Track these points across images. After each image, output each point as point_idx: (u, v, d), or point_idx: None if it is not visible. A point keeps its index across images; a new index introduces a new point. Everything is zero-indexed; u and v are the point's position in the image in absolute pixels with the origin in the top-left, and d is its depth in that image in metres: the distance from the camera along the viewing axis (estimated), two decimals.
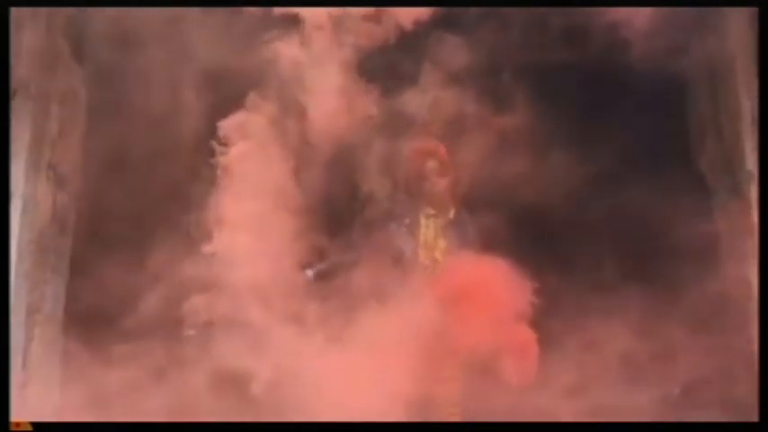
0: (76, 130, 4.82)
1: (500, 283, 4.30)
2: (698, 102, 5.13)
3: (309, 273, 4.46)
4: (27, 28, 4.50)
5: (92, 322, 4.56)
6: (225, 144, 4.43)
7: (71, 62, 4.77)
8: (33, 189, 4.55)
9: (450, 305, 4.29)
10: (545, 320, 4.49)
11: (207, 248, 4.32)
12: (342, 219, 4.68)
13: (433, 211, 4.66)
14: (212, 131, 4.51)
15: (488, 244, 4.49)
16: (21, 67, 4.47)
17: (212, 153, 4.47)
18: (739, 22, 4.68)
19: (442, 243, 4.61)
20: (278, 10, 4.48)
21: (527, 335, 4.39)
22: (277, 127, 4.44)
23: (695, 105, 5.14)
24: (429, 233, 4.62)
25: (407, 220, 4.63)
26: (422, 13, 4.52)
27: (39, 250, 4.58)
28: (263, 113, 4.46)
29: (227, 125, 4.46)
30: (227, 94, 4.59)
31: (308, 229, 4.39)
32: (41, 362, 4.53)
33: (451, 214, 4.69)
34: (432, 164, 4.67)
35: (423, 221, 4.64)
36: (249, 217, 4.34)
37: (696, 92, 5.12)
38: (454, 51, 4.59)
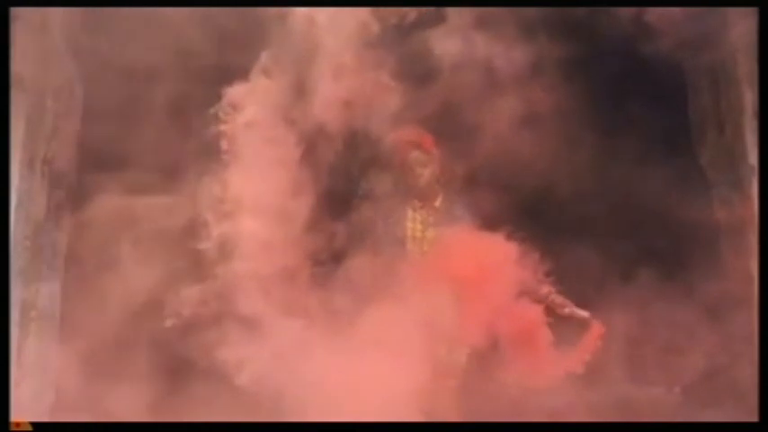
0: (72, 124, 4.79)
1: (500, 262, 4.20)
2: (699, 94, 5.10)
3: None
4: (21, 22, 4.45)
5: None
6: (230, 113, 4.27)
7: (66, 56, 4.73)
8: (28, 185, 4.52)
9: (443, 295, 4.20)
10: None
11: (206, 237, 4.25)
12: (342, 214, 4.61)
13: (419, 204, 4.60)
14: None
15: (488, 222, 4.39)
16: (15, 62, 4.39)
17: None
18: (741, 15, 4.62)
19: (430, 234, 4.55)
20: None
21: (534, 316, 4.25)
22: (286, 100, 4.31)
23: (696, 98, 5.12)
24: (416, 226, 4.57)
25: (394, 215, 4.57)
26: None
27: (34, 246, 4.56)
28: (273, 79, 4.31)
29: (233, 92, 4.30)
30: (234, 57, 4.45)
31: (314, 221, 4.33)
32: (37, 359, 4.52)
33: (438, 202, 4.62)
34: (415, 154, 4.60)
35: (410, 214, 4.59)
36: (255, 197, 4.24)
37: (697, 84, 5.10)
38: None
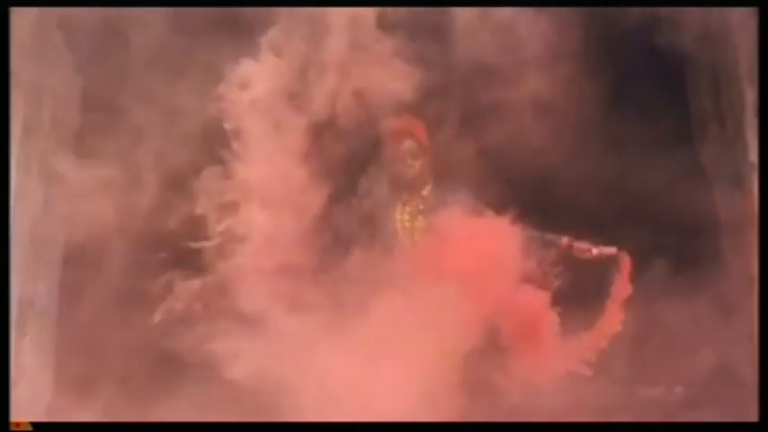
0: (70, 121, 4.75)
1: (499, 249, 4.15)
2: (700, 91, 5.08)
3: None
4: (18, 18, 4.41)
5: None
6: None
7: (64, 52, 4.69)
8: (25, 181, 4.50)
9: (437, 287, 4.10)
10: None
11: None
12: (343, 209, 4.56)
13: (407, 197, 4.55)
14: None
15: (487, 207, 4.35)
16: (12, 59, 4.36)
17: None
18: (743, 11, 4.60)
19: (420, 224, 4.51)
20: None
21: (535, 300, 4.16)
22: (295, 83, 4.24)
23: (697, 95, 5.10)
24: (404, 217, 4.53)
25: (385, 210, 4.53)
26: None
27: (31, 243, 4.55)
28: (283, 59, 4.21)
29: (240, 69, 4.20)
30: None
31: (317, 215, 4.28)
32: (34, 358, 4.51)
33: (426, 191, 4.57)
34: (408, 144, 4.54)
35: (399, 207, 4.54)
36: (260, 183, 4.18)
37: (698, 81, 5.08)
38: None
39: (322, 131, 4.33)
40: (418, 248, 4.40)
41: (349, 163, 4.51)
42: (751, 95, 4.60)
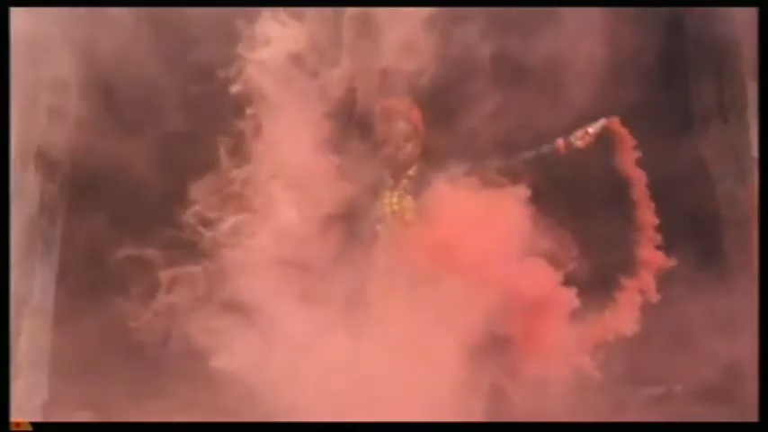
0: (67, 117, 4.73)
1: (493, 217, 4.04)
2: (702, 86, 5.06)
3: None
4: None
5: None
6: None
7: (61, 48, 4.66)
8: (22, 179, 4.48)
9: (435, 269, 4.02)
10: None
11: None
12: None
13: (393, 179, 4.46)
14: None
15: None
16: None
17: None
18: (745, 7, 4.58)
19: (409, 203, 4.43)
20: None
21: (544, 276, 4.05)
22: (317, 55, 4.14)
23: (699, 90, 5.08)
24: (393, 200, 4.48)
25: (375, 191, 4.44)
26: None
27: (27, 241, 4.54)
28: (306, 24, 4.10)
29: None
30: None
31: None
32: (30, 356, 4.49)
33: (412, 170, 4.46)
34: (401, 126, 4.46)
35: (387, 193, 4.45)
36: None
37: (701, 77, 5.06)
38: None
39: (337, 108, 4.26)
40: (410, 230, 4.30)
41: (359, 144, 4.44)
42: (754, 89, 4.59)
